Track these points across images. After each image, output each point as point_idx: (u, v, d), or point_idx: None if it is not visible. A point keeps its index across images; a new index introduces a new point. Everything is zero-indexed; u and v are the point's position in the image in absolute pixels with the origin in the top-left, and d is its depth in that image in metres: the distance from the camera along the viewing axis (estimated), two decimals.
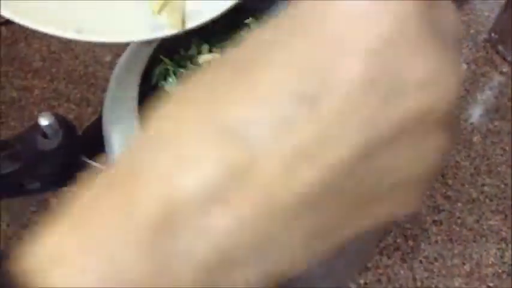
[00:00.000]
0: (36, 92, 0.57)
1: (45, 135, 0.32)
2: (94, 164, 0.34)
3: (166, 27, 0.32)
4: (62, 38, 0.29)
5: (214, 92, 0.15)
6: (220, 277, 0.15)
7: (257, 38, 0.16)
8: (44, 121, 0.31)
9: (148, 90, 0.36)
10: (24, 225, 0.48)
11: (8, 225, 0.48)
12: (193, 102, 0.15)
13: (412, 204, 0.17)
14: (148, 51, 0.36)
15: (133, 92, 0.34)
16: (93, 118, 0.55)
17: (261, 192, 0.14)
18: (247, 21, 0.40)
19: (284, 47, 0.15)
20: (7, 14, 0.28)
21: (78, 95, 0.56)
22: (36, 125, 0.31)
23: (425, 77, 0.14)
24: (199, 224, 0.14)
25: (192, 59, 0.38)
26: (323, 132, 0.14)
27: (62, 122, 0.32)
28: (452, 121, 0.16)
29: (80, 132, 0.35)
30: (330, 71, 0.14)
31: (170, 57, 0.38)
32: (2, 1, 0.28)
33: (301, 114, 0.14)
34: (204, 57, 0.37)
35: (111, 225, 0.15)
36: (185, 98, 0.16)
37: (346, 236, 0.17)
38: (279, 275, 0.16)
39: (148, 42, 0.35)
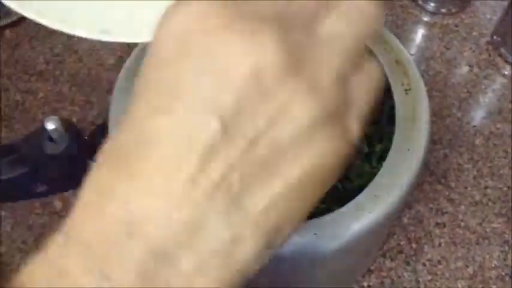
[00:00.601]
0: (40, 94, 0.57)
1: (51, 139, 0.32)
2: None
3: None
4: (89, 39, 0.29)
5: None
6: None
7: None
8: (50, 125, 0.31)
9: None
10: (28, 228, 0.48)
11: (12, 228, 0.48)
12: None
13: (320, 147, 0.18)
14: None
15: None
16: (97, 121, 0.55)
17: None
18: None
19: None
20: (31, 16, 0.27)
21: (82, 98, 0.57)
22: (43, 129, 0.31)
23: (240, 45, 0.16)
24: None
25: None
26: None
27: (67, 125, 0.32)
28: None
29: (85, 136, 0.35)
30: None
31: None
32: (25, 1, 0.28)
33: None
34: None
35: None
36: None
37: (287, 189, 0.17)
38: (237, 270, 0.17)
39: None
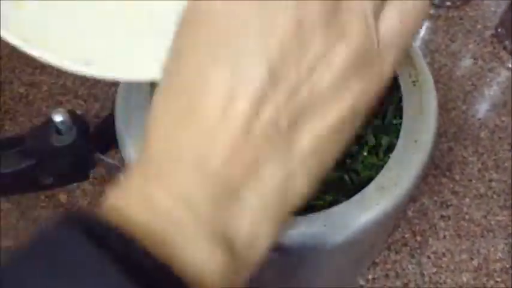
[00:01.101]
0: (44, 87, 0.57)
1: (58, 131, 0.32)
2: (107, 159, 0.34)
3: None
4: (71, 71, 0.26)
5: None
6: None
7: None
8: (57, 117, 0.31)
9: None
10: (34, 221, 0.48)
11: (17, 220, 0.48)
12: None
13: (360, 84, 0.19)
14: None
15: (146, 88, 0.34)
16: (101, 113, 0.55)
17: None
18: None
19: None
20: (14, 42, 0.26)
21: (86, 91, 0.56)
22: (50, 121, 0.31)
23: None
24: None
25: None
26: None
27: (75, 118, 0.32)
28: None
29: (92, 128, 0.35)
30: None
31: None
32: (8, 26, 0.26)
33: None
34: None
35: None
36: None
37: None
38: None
39: None
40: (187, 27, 0.18)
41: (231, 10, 0.17)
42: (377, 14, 0.19)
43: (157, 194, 0.18)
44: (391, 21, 0.19)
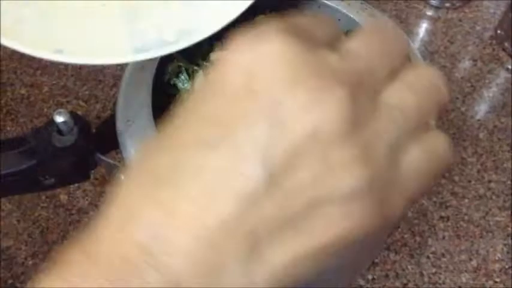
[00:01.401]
0: (45, 88, 0.57)
1: (60, 132, 0.32)
2: (108, 160, 0.34)
3: (153, 48, 0.30)
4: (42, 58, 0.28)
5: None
6: None
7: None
8: (59, 118, 0.31)
9: (161, 87, 0.37)
10: (34, 221, 0.49)
11: (18, 221, 0.49)
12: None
13: (354, 217, 0.17)
14: None
15: (146, 89, 0.34)
16: (102, 114, 0.55)
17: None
18: (257, 18, 0.40)
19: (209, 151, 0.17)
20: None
21: (87, 92, 0.57)
22: (52, 122, 0.32)
23: (306, 102, 0.16)
24: None
25: (204, 56, 0.38)
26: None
27: (76, 119, 0.32)
28: (347, 135, 0.17)
29: (93, 129, 0.35)
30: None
31: (182, 54, 0.38)
32: None
33: None
34: (216, 55, 0.38)
35: None
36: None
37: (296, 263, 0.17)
38: None
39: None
40: (202, 92, 0.18)
41: (246, 97, 0.16)
42: (407, 143, 0.18)
43: None
44: (415, 158, 0.18)
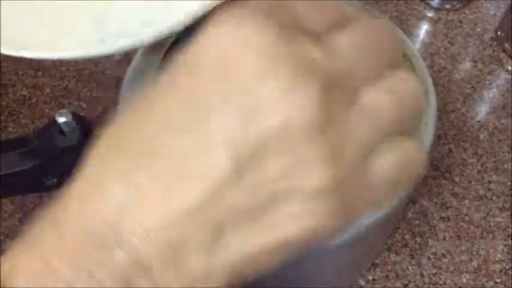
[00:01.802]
0: (47, 90, 0.57)
1: (62, 132, 0.32)
2: None
3: (116, 38, 0.30)
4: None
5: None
6: None
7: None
8: (61, 118, 0.32)
9: None
10: None
11: (20, 222, 0.49)
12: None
13: (317, 215, 0.17)
14: (165, 44, 0.36)
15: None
16: (104, 116, 0.55)
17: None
18: None
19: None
20: None
21: (88, 93, 0.57)
22: (54, 122, 0.32)
23: (278, 95, 0.16)
24: None
25: None
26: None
27: (78, 119, 0.33)
28: (319, 133, 0.16)
29: (95, 129, 0.35)
30: None
31: None
32: None
33: None
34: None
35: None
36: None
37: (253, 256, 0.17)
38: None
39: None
40: (177, 72, 0.17)
41: (221, 79, 0.16)
42: (372, 151, 0.18)
43: (61, 265, 0.16)
44: (386, 163, 0.18)
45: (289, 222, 0.17)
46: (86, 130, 0.33)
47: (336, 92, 0.17)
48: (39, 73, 0.58)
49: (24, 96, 0.57)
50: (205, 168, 0.16)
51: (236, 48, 0.16)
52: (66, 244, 0.16)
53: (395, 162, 0.18)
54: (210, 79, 0.16)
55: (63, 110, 0.32)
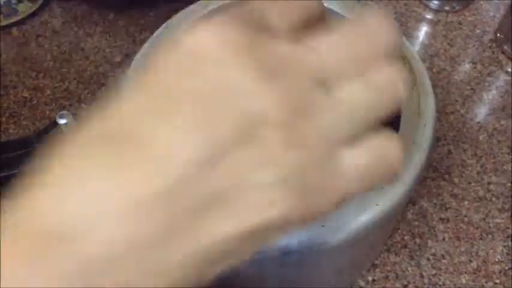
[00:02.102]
0: (48, 91, 0.57)
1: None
2: None
3: None
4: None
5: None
6: None
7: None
8: (62, 120, 0.32)
9: None
10: None
11: None
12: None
13: (278, 205, 0.17)
14: None
15: None
16: None
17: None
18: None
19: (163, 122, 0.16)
20: None
21: (89, 95, 0.57)
22: (55, 124, 0.32)
23: (250, 88, 0.16)
24: None
25: None
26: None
27: (79, 121, 0.33)
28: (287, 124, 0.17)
29: None
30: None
31: None
32: None
33: None
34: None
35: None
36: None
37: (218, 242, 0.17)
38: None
39: None
40: (153, 68, 0.17)
41: (192, 75, 0.17)
42: (344, 144, 0.18)
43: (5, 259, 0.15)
44: (359, 158, 0.18)
45: (250, 213, 0.17)
46: None
47: (305, 85, 0.17)
48: (40, 75, 0.59)
49: (25, 97, 0.57)
50: (177, 158, 0.16)
51: (203, 48, 0.17)
52: (20, 244, 0.16)
53: (370, 158, 0.18)
54: (183, 76, 0.17)
55: (64, 112, 0.32)
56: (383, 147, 0.19)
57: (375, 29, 0.19)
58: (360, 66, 0.18)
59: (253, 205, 0.17)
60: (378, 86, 0.18)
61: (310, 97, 0.17)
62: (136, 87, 0.17)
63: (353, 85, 0.18)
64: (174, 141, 0.16)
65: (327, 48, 0.18)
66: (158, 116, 0.16)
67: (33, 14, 0.63)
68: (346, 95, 0.18)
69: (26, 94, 0.57)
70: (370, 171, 0.18)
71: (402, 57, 0.36)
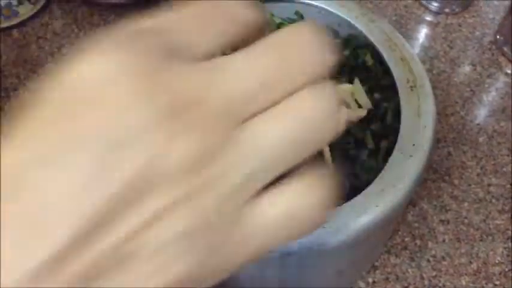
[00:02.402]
0: None
1: None
2: None
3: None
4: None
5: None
6: None
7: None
8: None
9: None
10: None
11: None
12: None
13: (180, 265, 0.15)
14: None
15: None
16: None
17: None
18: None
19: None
20: None
21: None
22: None
23: (137, 133, 0.14)
24: None
25: None
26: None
27: None
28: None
29: None
30: None
31: None
32: None
33: None
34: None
35: None
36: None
37: None
38: None
39: None
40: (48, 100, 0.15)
41: (84, 113, 0.14)
42: (251, 194, 0.15)
43: None
44: (268, 212, 0.15)
45: (151, 275, 0.15)
46: None
47: (214, 123, 0.15)
48: (41, 77, 0.59)
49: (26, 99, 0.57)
50: (48, 231, 0.13)
51: (90, 78, 0.14)
52: None
53: (282, 212, 0.16)
54: (67, 109, 0.14)
55: None
56: (305, 194, 0.16)
57: (304, 44, 0.16)
58: (279, 93, 0.15)
59: (153, 270, 0.14)
60: (303, 116, 0.15)
61: (215, 140, 0.15)
62: (19, 126, 0.15)
63: (271, 118, 0.15)
64: (51, 211, 0.13)
65: (240, 73, 0.15)
66: (41, 168, 0.14)
67: (34, 16, 0.64)
68: (261, 132, 0.15)
69: (26, 96, 0.57)
70: (279, 230, 0.16)
71: (402, 59, 0.36)
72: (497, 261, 0.48)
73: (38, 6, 0.64)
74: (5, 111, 0.55)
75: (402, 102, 0.34)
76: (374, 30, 0.38)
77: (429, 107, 0.33)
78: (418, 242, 0.49)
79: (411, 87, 0.34)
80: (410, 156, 0.32)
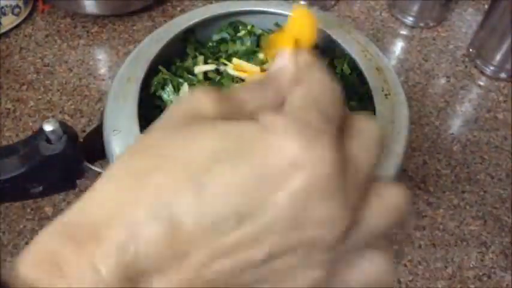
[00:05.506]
0: (31, 103, 0.58)
1: (48, 141, 0.33)
2: (95, 169, 0.35)
3: None
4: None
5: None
6: None
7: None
8: (48, 127, 0.33)
9: (147, 98, 0.38)
10: (19, 233, 0.49)
11: (3, 233, 0.49)
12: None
13: None
14: (147, 61, 0.37)
15: (133, 100, 0.35)
16: (87, 128, 0.56)
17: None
18: (239, 34, 0.42)
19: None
20: None
21: (72, 106, 0.58)
22: (41, 131, 0.33)
23: (324, 217, 0.17)
24: None
25: (188, 70, 0.40)
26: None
27: (65, 128, 0.33)
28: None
29: (81, 139, 0.36)
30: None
31: (168, 67, 0.39)
32: None
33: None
34: (199, 68, 0.39)
35: None
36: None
37: None
38: None
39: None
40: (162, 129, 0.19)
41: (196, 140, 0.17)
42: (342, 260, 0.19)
43: None
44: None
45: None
46: (72, 138, 0.34)
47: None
48: (24, 87, 0.59)
49: (8, 109, 0.57)
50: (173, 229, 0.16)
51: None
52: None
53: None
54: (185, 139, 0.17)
55: (50, 119, 0.33)
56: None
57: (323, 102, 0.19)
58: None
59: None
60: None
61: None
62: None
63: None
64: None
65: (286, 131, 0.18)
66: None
67: (17, 27, 0.64)
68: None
69: (9, 106, 0.58)
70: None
71: (377, 69, 0.37)
72: (471, 266, 0.50)
73: (22, 17, 0.64)
74: None
75: (377, 109, 0.35)
76: (351, 42, 0.40)
77: (402, 114, 0.35)
78: (395, 247, 0.50)
79: (386, 95, 0.36)
80: (384, 161, 0.33)
